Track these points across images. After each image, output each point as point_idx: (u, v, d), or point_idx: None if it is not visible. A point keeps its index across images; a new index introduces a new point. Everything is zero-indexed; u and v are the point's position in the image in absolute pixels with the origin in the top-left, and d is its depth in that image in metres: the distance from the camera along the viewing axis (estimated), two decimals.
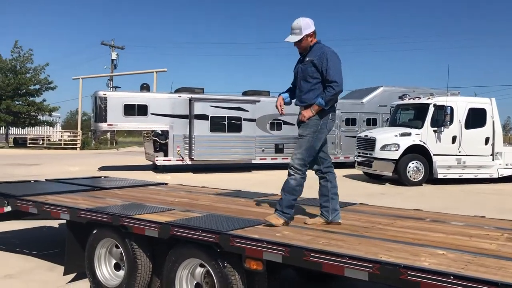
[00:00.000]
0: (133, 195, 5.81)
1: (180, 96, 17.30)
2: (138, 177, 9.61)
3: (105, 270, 4.51)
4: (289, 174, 4.12)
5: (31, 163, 20.68)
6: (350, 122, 19.89)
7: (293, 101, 4.43)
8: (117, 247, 4.46)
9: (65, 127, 51.23)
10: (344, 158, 19.71)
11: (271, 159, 18.13)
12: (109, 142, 41.14)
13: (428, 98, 14.86)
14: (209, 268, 3.63)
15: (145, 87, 18.27)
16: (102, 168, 18.42)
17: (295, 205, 4.21)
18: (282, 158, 17.81)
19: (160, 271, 4.22)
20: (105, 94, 16.71)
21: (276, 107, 4.36)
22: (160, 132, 17.36)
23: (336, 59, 4.10)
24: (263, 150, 17.86)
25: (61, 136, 39.01)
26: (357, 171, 16.53)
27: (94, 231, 4.49)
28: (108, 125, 16.72)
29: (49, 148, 34.64)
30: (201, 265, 3.81)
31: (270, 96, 18.78)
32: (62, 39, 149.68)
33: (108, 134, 40.20)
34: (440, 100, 14.35)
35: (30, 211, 5.07)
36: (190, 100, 17.16)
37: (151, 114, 16.88)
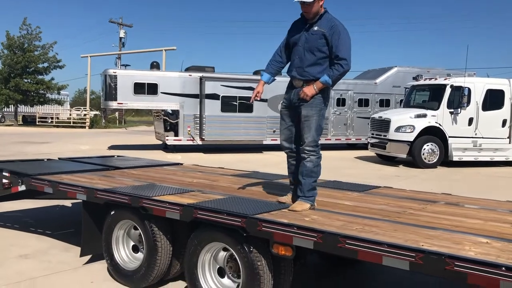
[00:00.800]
0: (150, 175, 5.66)
1: (190, 75, 17.05)
2: (148, 157, 9.48)
3: (123, 252, 4.38)
4: (303, 158, 3.94)
5: (41, 141, 20.64)
6: (363, 103, 19.57)
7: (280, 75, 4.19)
8: (135, 228, 4.33)
9: (73, 106, 51.17)
10: (356, 139, 19.50)
11: None
12: (117, 121, 41.07)
13: (445, 79, 14.51)
14: (234, 253, 3.47)
15: (155, 66, 18.01)
16: (112, 147, 18.34)
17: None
18: None
19: (180, 254, 4.08)
20: (115, 72, 16.50)
21: (254, 94, 4.07)
22: (170, 112, 17.17)
23: (347, 35, 3.83)
24: (274, 131, 17.58)
25: (70, 115, 38.99)
26: (369, 152, 16.30)
27: (112, 212, 4.34)
28: (118, 103, 16.53)
29: (58, 126, 34.65)
30: (225, 249, 3.66)
31: (282, 75, 18.45)
32: (70, 17, 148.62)
33: (117, 113, 40.14)
34: (458, 81, 13.99)
35: (45, 190, 4.94)
36: (201, 79, 16.90)
37: (161, 93, 16.67)
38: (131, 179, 5.24)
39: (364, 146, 18.48)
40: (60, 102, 39.31)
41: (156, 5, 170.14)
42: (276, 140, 17.72)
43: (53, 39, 49.09)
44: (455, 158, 14.03)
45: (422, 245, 2.72)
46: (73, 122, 35.42)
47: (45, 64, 36.38)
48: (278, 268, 3.45)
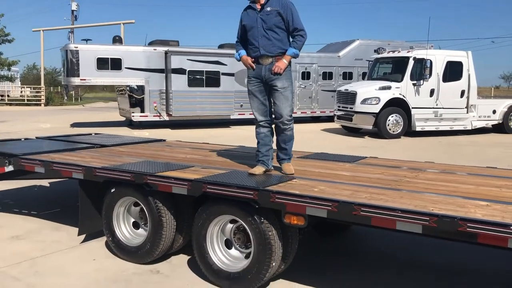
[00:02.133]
0: (139, 152, 5.64)
1: (155, 50, 16.71)
2: (117, 133, 9.34)
3: (124, 229, 4.40)
4: (284, 129, 4.24)
5: None
6: (327, 76, 19.86)
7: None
8: (135, 205, 4.36)
9: (23, 82, 48.86)
10: (321, 112, 19.84)
11: (250, 114, 17.89)
12: (73, 98, 39.74)
13: (408, 52, 14.96)
14: (245, 225, 3.59)
15: (117, 40, 17.52)
16: (75, 125, 17.88)
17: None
18: None
19: (183, 228, 4.16)
20: (76, 47, 15.94)
21: (247, 65, 4.33)
22: (135, 87, 16.83)
23: (295, 8, 4.21)
24: (241, 106, 17.64)
25: (21, 92, 37.28)
26: (334, 124, 16.69)
27: (112, 190, 4.33)
28: (81, 79, 16.03)
29: (11, 104, 33.14)
30: (232, 221, 3.77)
31: None
32: None
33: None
34: (420, 54, 14.47)
35: (36, 170, 4.84)
36: (166, 53, 16.61)
37: (126, 68, 16.29)
38: (124, 156, 5.21)
39: (328, 119, 18.88)
40: (11, 79, 37.46)
41: None
42: (243, 114, 17.83)
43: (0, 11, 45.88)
44: (418, 128, 14.63)
45: (432, 210, 2.93)
46: (28, 100, 33.98)
47: None
48: (286, 237, 3.61)
